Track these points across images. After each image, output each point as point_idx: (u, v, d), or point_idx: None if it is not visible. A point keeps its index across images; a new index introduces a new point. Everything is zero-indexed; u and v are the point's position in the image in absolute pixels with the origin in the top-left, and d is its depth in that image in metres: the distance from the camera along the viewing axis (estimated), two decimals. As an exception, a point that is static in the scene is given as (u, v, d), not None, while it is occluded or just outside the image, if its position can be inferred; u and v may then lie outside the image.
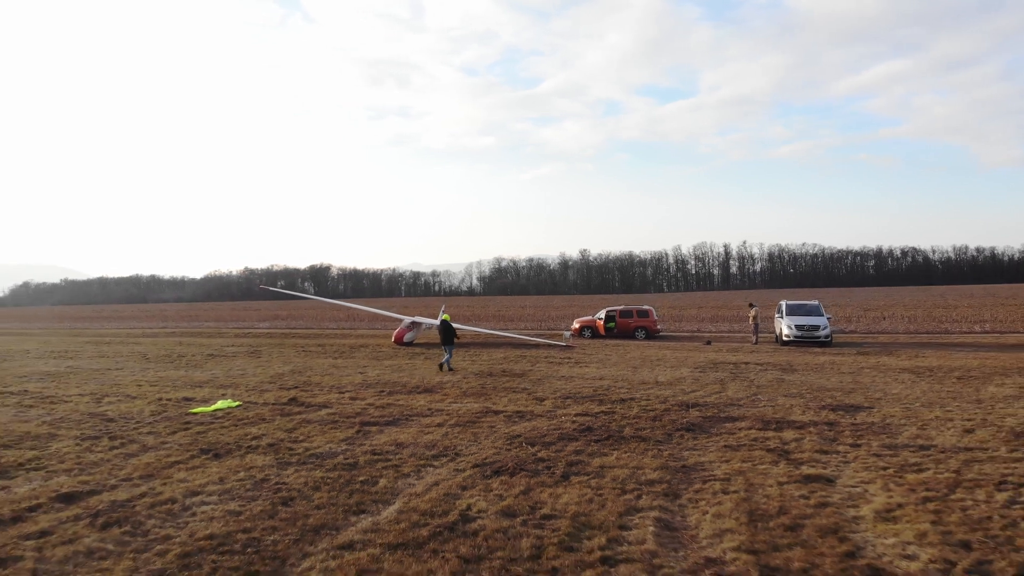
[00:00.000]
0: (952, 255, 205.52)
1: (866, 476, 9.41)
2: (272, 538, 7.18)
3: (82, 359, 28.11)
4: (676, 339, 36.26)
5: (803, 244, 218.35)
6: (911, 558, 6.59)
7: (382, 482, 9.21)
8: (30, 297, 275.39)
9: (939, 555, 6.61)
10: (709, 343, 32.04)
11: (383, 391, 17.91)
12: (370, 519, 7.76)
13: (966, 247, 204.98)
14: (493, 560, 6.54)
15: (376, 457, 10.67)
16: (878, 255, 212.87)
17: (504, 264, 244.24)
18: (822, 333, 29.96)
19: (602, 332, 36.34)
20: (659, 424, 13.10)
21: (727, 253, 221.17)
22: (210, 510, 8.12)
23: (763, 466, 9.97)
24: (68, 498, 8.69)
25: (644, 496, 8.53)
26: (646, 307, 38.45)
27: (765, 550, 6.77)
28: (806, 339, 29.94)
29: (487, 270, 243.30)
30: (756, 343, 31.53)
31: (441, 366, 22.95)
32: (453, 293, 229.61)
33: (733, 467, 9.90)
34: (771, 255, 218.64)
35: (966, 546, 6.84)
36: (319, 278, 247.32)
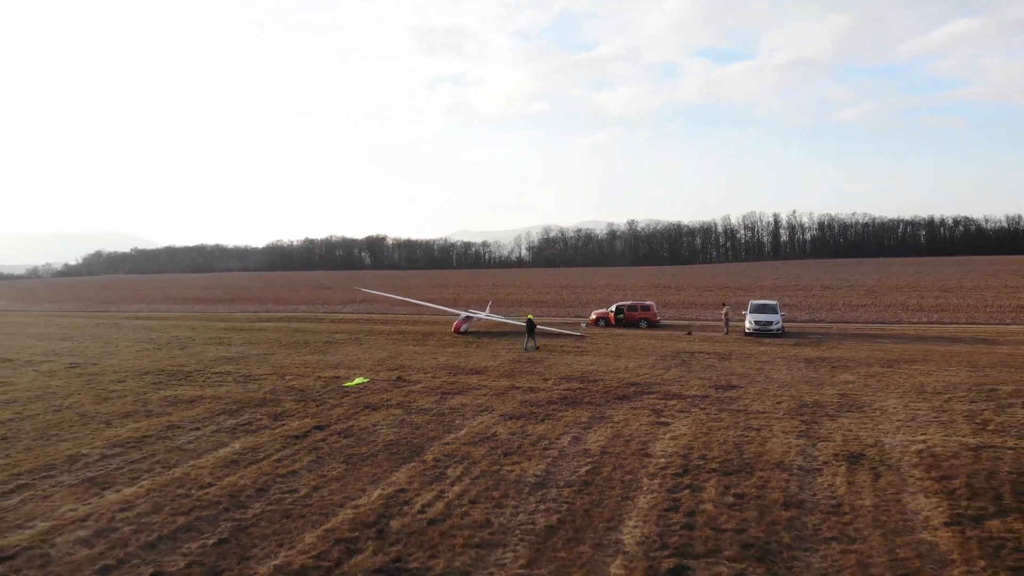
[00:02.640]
0: (1005, 224, 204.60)
1: (687, 423, 19.68)
2: (416, 440, 17.95)
3: (239, 346, 39.69)
4: (671, 327, 46.46)
5: (853, 214, 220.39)
6: (665, 450, 16.92)
7: (457, 421, 19.98)
8: (102, 265, 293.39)
9: (675, 451, 16.92)
10: (690, 333, 42.13)
11: (451, 372, 28.74)
12: (453, 435, 18.48)
13: (1019, 216, 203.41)
14: (502, 448, 17.14)
15: (452, 410, 21.43)
16: (929, 225, 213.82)
17: (552, 235, 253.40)
18: (774, 327, 39.75)
19: (613, 322, 46.56)
20: (605, 395, 23.55)
21: (776, 223, 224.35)
22: (384, 431, 18.95)
23: (641, 417, 20.32)
24: (320, 427, 19.64)
25: (573, 428, 19.05)
26: (648, 303, 48.67)
27: (609, 447, 17.22)
28: (762, 331, 39.74)
29: (536, 240, 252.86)
30: (727, 333, 41.41)
31: (526, 348, 35.41)
32: (502, 264, 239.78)
33: (625, 417, 20.32)
34: (821, 224, 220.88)
35: (691, 448, 17.13)
36: (375, 248, 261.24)
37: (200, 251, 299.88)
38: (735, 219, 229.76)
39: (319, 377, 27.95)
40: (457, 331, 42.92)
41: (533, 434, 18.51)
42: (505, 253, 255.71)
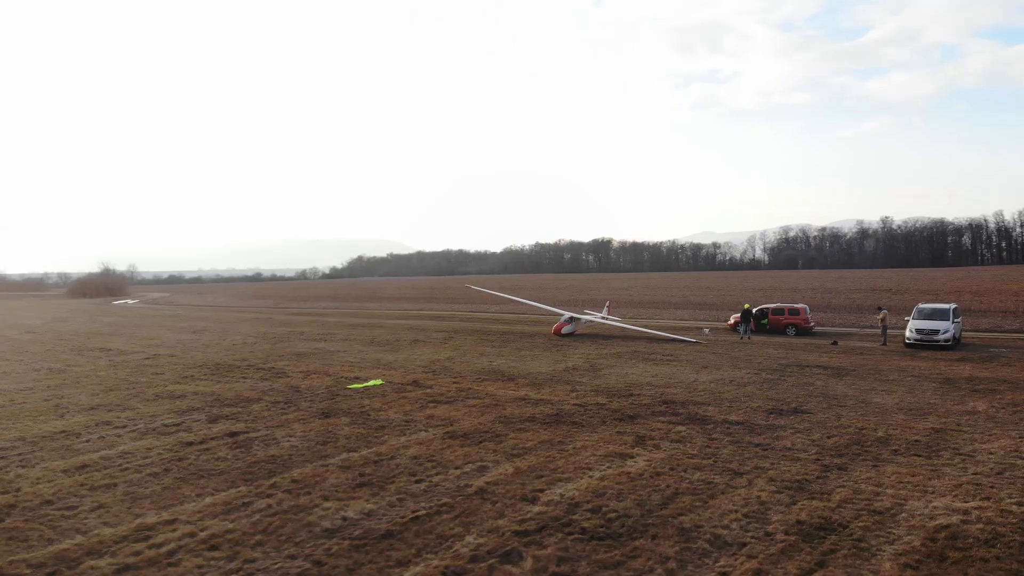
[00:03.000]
0: None
1: (656, 457, 14.88)
2: (294, 458, 15.17)
3: (333, 342, 39.51)
4: (820, 335, 38.84)
5: None
6: (563, 496, 12.58)
7: (385, 437, 16.66)
8: (362, 269, 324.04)
9: (573, 498, 12.50)
10: (835, 343, 34.49)
11: (480, 378, 25.39)
12: (348, 455, 15.39)
13: None
14: (376, 474, 13.82)
15: (407, 423, 18.14)
16: None
17: (792, 234, 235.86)
18: (941, 337, 31.24)
19: (753, 327, 39.74)
20: (607, 415, 18.93)
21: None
22: (282, 444, 16.36)
23: (609, 446, 15.65)
24: (325, 413, 18.10)
25: (497, 456, 15.05)
26: (799, 306, 41.10)
27: (500, 484, 13.19)
28: (925, 342, 31.47)
29: (773, 240, 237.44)
30: (884, 344, 33.46)
31: (742, 337, 37.46)
32: (733, 267, 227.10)
33: (589, 443, 15.92)
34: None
35: (599, 495, 12.61)
36: (600, 251, 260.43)
37: (445, 256, 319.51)
38: (1009, 215, 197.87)
39: (341, 377, 26.10)
40: (558, 333, 39.12)
41: (441, 460, 14.84)
42: (737, 255, 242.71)
